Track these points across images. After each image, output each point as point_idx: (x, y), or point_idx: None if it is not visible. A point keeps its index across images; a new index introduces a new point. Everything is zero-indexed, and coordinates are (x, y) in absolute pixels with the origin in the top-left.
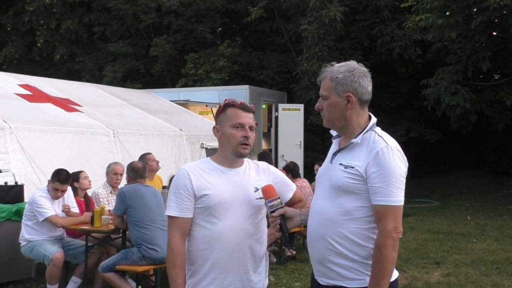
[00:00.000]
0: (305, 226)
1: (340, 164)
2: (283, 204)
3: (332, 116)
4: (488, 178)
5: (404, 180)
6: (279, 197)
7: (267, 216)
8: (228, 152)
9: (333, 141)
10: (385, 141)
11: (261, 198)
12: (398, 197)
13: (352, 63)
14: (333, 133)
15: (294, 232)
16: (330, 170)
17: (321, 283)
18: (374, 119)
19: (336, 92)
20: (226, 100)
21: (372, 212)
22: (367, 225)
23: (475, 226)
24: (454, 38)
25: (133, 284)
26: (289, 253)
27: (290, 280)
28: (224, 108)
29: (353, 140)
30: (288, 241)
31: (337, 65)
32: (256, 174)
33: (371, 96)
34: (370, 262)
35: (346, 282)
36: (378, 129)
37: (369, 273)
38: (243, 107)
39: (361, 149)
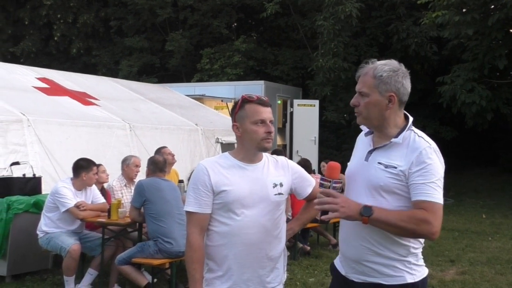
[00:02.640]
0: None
1: (379, 163)
2: (342, 190)
3: (370, 115)
4: (503, 176)
5: (442, 181)
6: (341, 182)
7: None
8: (251, 148)
9: (364, 137)
10: (426, 141)
11: (279, 194)
12: (439, 196)
13: (395, 63)
14: (364, 129)
15: (308, 227)
16: (366, 168)
17: (356, 280)
18: (411, 119)
19: (379, 90)
20: (243, 96)
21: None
22: None
23: (490, 224)
24: (470, 35)
25: (149, 277)
26: (301, 245)
27: (304, 275)
28: (242, 104)
29: (393, 140)
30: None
31: (379, 62)
32: (275, 170)
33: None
34: (410, 259)
35: (384, 279)
36: (415, 129)
37: (408, 270)
38: (261, 102)
39: (402, 149)
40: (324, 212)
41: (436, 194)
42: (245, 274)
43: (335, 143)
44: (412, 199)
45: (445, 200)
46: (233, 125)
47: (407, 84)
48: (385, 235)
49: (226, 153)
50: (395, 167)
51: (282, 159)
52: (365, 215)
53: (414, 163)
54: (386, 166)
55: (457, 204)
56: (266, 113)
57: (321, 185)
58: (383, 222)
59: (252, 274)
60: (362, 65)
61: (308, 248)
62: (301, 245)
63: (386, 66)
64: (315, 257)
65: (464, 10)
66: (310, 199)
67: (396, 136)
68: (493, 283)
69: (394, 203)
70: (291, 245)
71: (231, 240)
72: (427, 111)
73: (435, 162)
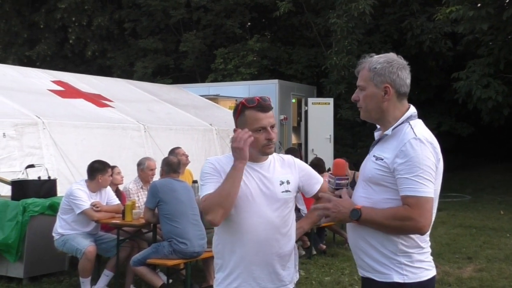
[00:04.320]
0: None
1: (374, 156)
2: (349, 187)
3: (368, 107)
4: None
5: (433, 173)
6: (347, 178)
7: (297, 209)
8: (254, 152)
9: (375, 133)
10: (414, 133)
11: (287, 191)
12: (425, 188)
13: (391, 55)
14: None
15: (324, 226)
16: (366, 161)
17: (360, 274)
18: (409, 112)
19: (374, 82)
20: (242, 101)
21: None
22: None
23: (508, 220)
24: (485, 30)
25: (164, 277)
26: (314, 253)
27: (320, 274)
28: (241, 110)
29: (385, 132)
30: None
31: (376, 56)
32: (281, 168)
33: (409, 89)
34: (399, 258)
35: (376, 275)
36: (414, 122)
37: (397, 269)
38: (261, 108)
39: (393, 142)
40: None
41: (420, 187)
42: (255, 271)
43: (351, 141)
44: (400, 194)
45: (462, 197)
46: (234, 130)
47: (403, 75)
48: (373, 230)
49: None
50: (382, 159)
51: (288, 157)
52: (353, 218)
53: (398, 156)
54: (377, 159)
55: (474, 201)
56: (267, 118)
57: (328, 182)
58: (371, 222)
59: (262, 271)
60: (361, 61)
61: (324, 247)
62: (314, 252)
63: (381, 58)
64: (331, 256)
65: (478, 4)
66: (319, 197)
67: (388, 129)
68: (511, 280)
69: (382, 194)
70: (307, 247)
71: (240, 237)
72: (442, 107)
73: (419, 154)
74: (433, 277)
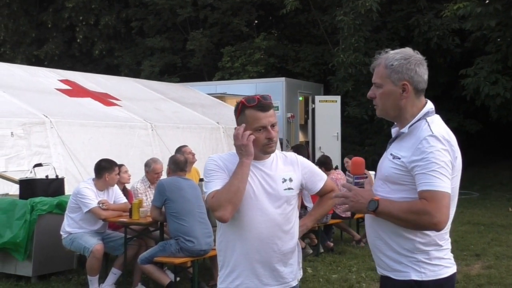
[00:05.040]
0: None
1: (391, 154)
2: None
3: (385, 105)
4: None
5: (449, 170)
6: (366, 177)
7: (304, 207)
8: (255, 151)
9: (392, 130)
10: (431, 130)
11: (289, 189)
12: (442, 183)
13: (408, 50)
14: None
15: (331, 224)
16: (383, 159)
17: (378, 272)
18: (426, 108)
19: (391, 80)
20: (241, 100)
21: None
22: None
23: None
24: (493, 26)
25: (171, 275)
26: (322, 251)
27: (327, 272)
28: (241, 109)
29: (402, 130)
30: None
31: (391, 52)
32: (284, 165)
33: (426, 85)
34: (418, 257)
35: (393, 274)
36: (431, 118)
37: (415, 267)
38: (261, 108)
39: (410, 139)
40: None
41: (437, 182)
42: (258, 269)
43: (358, 139)
44: (417, 190)
45: (470, 194)
46: (235, 129)
47: (421, 71)
48: (391, 228)
49: (234, 151)
50: (399, 158)
51: (291, 155)
52: (370, 209)
53: (415, 153)
54: (394, 157)
55: (483, 198)
56: (267, 118)
57: (347, 181)
58: (388, 215)
59: (264, 269)
60: (376, 56)
61: (331, 244)
62: (322, 250)
63: (398, 54)
64: (338, 254)
65: (486, 1)
66: (322, 194)
67: (405, 127)
68: None
69: (399, 193)
70: (314, 245)
71: (242, 234)
72: (450, 104)
73: (436, 150)
74: (453, 275)
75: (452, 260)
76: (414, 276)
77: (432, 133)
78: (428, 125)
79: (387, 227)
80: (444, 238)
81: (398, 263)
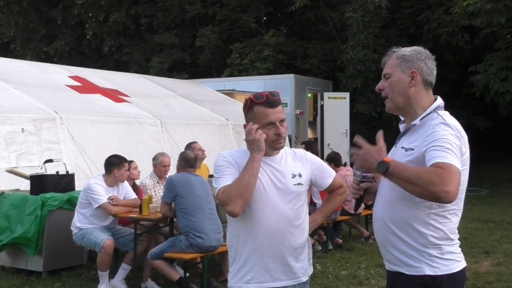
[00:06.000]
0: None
1: (402, 147)
2: (375, 180)
3: (394, 94)
4: None
5: (458, 153)
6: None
7: (313, 203)
8: (264, 147)
9: (400, 126)
10: (443, 119)
11: (299, 184)
12: (454, 160)
13: (420, 47)
14: (402, 117)
15: (340, 220)
16: (393, 154)
17: (387, 268)
18: (437, 103)
19: (401, 68)
20: (250, 97)
21: None
22: (426, 210)
23: None
24: (503, 23)
25: (181, 271)
26: (331, 248)
27: (336, 268)
28: (250, 106)
29: (413, 122)
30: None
31: (401, 48)
32: (293, 161)
33: (435, 81)
34: (429, 251)
35: (405, 269)
36: (442, 112)
37: (428, 262)
38: (269, 104)
39: (421, 131)
40: (358, 205)
41: (450, 158)
42: (269, 264)
43: (367, 136)
44: (428, 164)
45: (479, 191)
46: (244, 126)
47: (430, 65)
48: (403, 220)
49: (244, 148)
50: (413, 149)
51: (300, 151)
52: (380, 170)
53: (427, 139)
54: (406, 150)
55: (492, 195)
56: (275, 114)
57: (354, 174)
58: (399, 177)
59: (275, 264)
60: (387, 53)
61: (340, 241)
62: (331, 247)
63: (409, 48)
64: (347, 250)
65: None
66: (331, 190)
67: (416, 119)
68: None
69: None
70: (323, 241)
71: (252, 230)
72: (460, 101)
73: (449, 133)
74: (464, 268)
75: (462, 255)
76: (428, 271)
77: (445, 121)
78: (441, 116)
79: (400, 221)
80: (454, 232)
81: (411, 258)
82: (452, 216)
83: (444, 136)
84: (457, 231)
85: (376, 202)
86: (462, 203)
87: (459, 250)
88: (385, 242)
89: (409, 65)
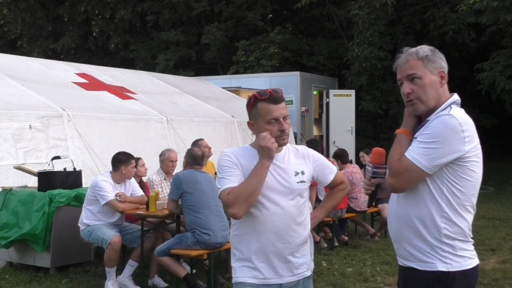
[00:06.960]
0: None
1: (414, 137)
2: (386, 176)
3: (428, 96)
4: None
5: (439, 149)
6: (386, 167)
7: (319, 200)
8: None
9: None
10: (449, 113)
11: (302, 182)
12: (419, 156)
13: (427, 46)
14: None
15: (345, 217)
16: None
17: (399, 263)
18: (453, 98)
19: (429, 70)
20: (254, 94)
21: (444, 192)
22: (442, 205)
23: None
24: (509, 20)
25: (188, 268)
26: (336, 244)
27: (342, 265)
28: (254, 102)
29: (428, 118)
30: (340, 229)
31: (412, 48)
32: (295, 159)
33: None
34: (442, 247)
35: (418, 264)
36: (455, 108)
37: (441, 258)
38: (272, 100)
39: (430, 123)
40: (374, 201)
41: (414, 151)
42: (273, 260)
43: (372, 133)
44: None
45: (485, 189)
46: (248, 123)
47: (445, 63)
48: (416, 215)
49: (248, 145)
50: (416, 137)
51: (302, 148)
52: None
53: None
54: (415, 138)
55: (498, 193)
56: (279, 110)
57: (365, 170)
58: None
59: (279, 260)
60: (398, 55)
61: (346, 238)
62: (337, 244)
63: (424, 48)
64: (353, 247)
65: None
66: (332, 186)
67: (430, 115)
68: None
69: (424, 182)
70: (329, 239)
71: (256, 228)
72: (466, 98)
73: (441, 126)
74: (476, 266)
75: (475, 252)
76: (441, 267)
77: (451, 114)
78: (451, 109)
79: (415, 216)
80: (469, 229)
81: (425, 253)
82: (464, 213)
83: (435, 131)
84: (471, 228)
85: (392, 197)
86: (474, 200)
87: (472, 248)
88: (400, 237)
89: (435, 66)
